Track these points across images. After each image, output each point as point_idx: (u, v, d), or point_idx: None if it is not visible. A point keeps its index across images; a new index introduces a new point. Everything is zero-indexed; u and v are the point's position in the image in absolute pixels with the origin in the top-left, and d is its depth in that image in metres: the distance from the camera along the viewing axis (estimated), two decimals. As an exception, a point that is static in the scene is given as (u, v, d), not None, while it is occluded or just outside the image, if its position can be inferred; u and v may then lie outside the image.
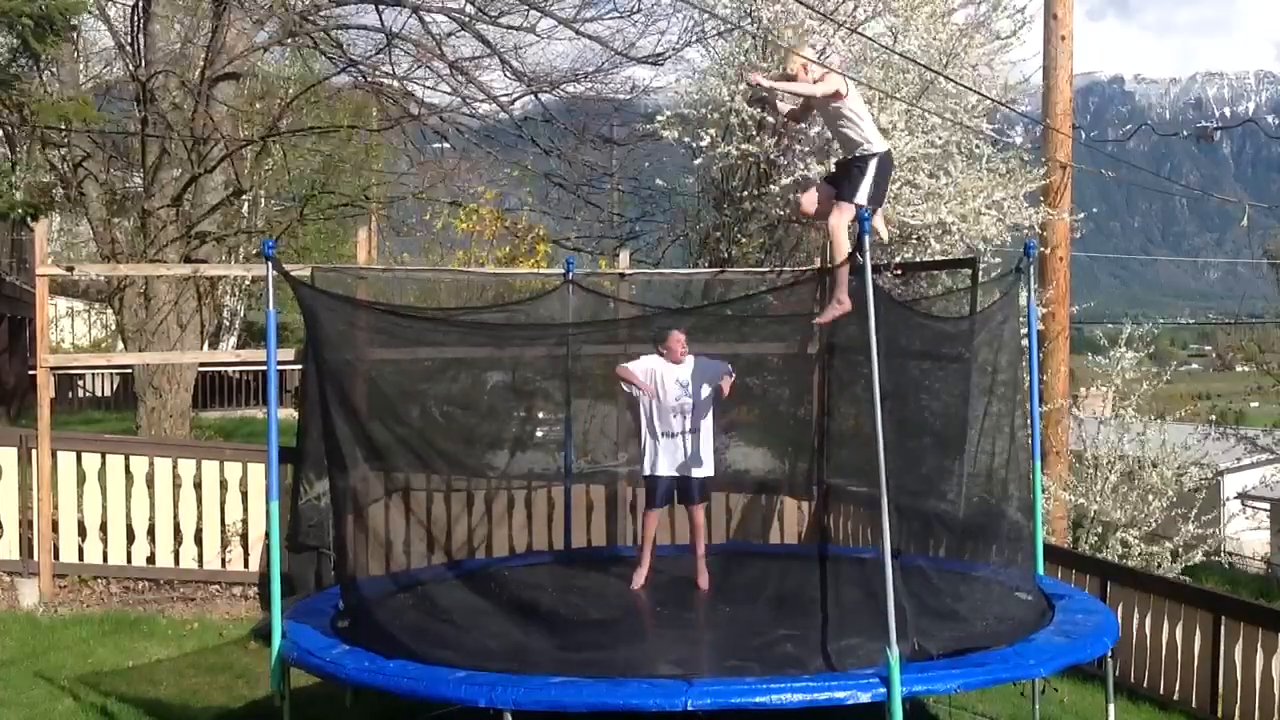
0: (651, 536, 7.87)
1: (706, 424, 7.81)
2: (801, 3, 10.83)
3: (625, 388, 8.02)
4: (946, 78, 11.15)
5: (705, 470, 7.82)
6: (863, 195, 7.11)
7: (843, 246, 7.11)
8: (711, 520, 9.11)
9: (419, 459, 8.19)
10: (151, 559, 9.65)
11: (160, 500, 9.60)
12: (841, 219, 7.14)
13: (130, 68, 13.71)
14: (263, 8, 13.27)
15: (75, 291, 29.28)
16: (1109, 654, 6.66)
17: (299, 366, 8.45)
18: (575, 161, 14.47)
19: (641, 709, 5.34)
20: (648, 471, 7.84)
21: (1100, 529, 13.91)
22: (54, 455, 9.45)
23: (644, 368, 7.83)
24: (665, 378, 7.74)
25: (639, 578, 7.80)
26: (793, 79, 7.28)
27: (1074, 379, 14.87)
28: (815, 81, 7.23)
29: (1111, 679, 6.84)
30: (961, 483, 7.67)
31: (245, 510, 9.61)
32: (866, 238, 6.00)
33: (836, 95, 7.13)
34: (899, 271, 10.83)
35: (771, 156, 11.21)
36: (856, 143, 7.24)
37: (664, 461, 7.76)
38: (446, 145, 15.69)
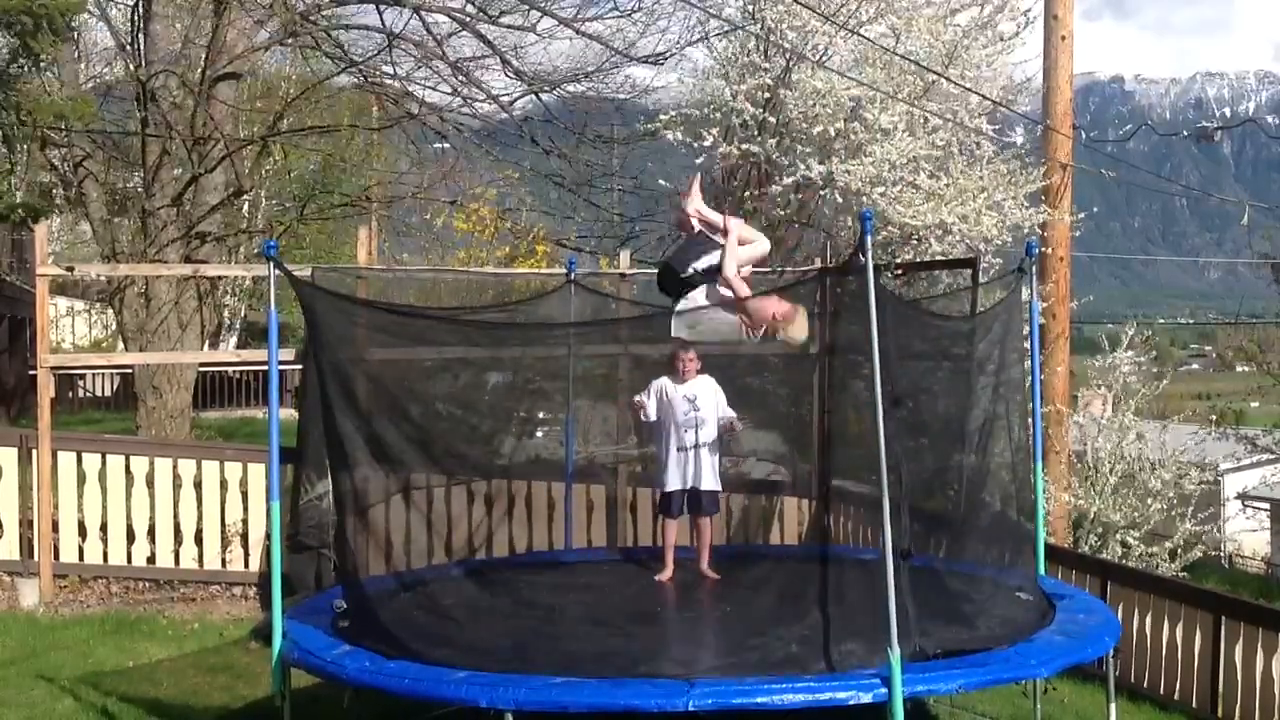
0: (672, 543, 8.18)
1: (715, 441, 8.09)
2: (802, 3, 10.84)
3: (639, 414, 8.28)
4: (948, 79, 11.15)
5: (713, 484, 8.12)
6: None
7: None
8: (713, 523, 9.13)
9: (419, 458, 8.21)
10: (152, 559, 9.65)
11: (160, 500, 9.60)
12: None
13: (130, 68, 13.69)
14: (263, 7, 13.25)
15: (75, 291, 29.26)
16: (1110, 654, 6.65)
17: (299, 366, 8.46)
18: (575, 161, 14.46)
19: (643, 709, 5.32)
20: (662, 487, 8.16)
21: (1101, 529, 13.93)
22: (54, 455, 9.45)
23: (654, 388, 8.13)
24: (673, 395, 8.02)
25: (665, 574, 8.06)
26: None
27: (1074, 380, 14.88)
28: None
29: (1112, 679, 6.83)
30: (963, 483, 7.66)
31: (245, 510, 9.61)
32: (869, 238, 6.00)
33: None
34: (900, 271, 10.84)
35: (773, 156, 11.21)
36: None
37: (675, 476, 8.05)
38: (446, 145, 15.67)
